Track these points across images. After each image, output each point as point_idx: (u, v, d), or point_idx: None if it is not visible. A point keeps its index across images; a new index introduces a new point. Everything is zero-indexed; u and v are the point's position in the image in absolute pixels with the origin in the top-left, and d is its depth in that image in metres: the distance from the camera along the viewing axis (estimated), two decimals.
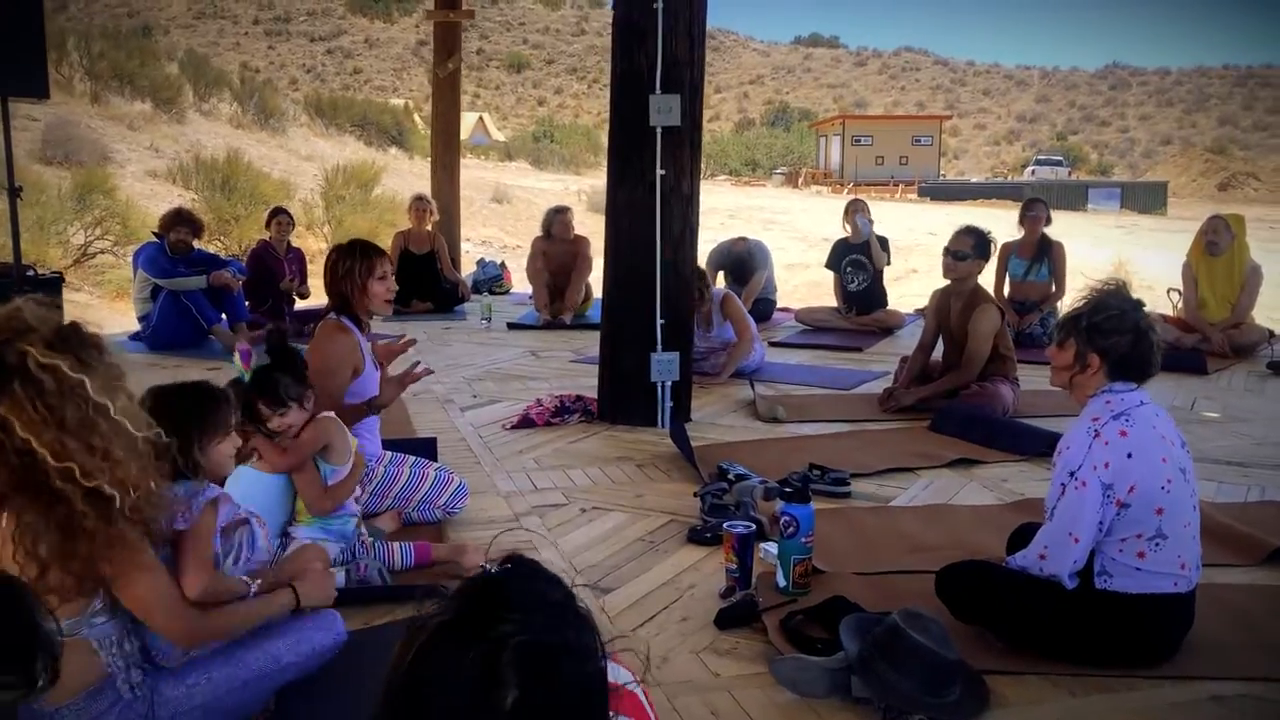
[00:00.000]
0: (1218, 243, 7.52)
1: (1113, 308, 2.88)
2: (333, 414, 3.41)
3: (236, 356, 3.30)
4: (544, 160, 43.32)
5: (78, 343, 2.10)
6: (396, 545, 3.50)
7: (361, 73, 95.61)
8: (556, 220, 8.78)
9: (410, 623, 1.15)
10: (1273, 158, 64.36)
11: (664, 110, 5.16)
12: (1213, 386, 6.55)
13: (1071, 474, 2.77)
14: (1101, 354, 2.86)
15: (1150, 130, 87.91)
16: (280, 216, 8.45)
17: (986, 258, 5.67)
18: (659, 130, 5.18)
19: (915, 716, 2.52)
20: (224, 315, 7.61)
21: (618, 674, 1.62)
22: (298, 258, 8.58)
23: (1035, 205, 8.16)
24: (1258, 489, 4.48)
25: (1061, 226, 9.06)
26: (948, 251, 5.65)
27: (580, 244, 8.75)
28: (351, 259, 3.88)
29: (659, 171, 5.21)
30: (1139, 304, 2.94)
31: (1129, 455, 2.73)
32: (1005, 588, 2.89)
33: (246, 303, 7.88)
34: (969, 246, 5.60)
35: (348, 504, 3.39)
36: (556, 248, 8.73)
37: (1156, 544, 2.76)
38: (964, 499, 4.37)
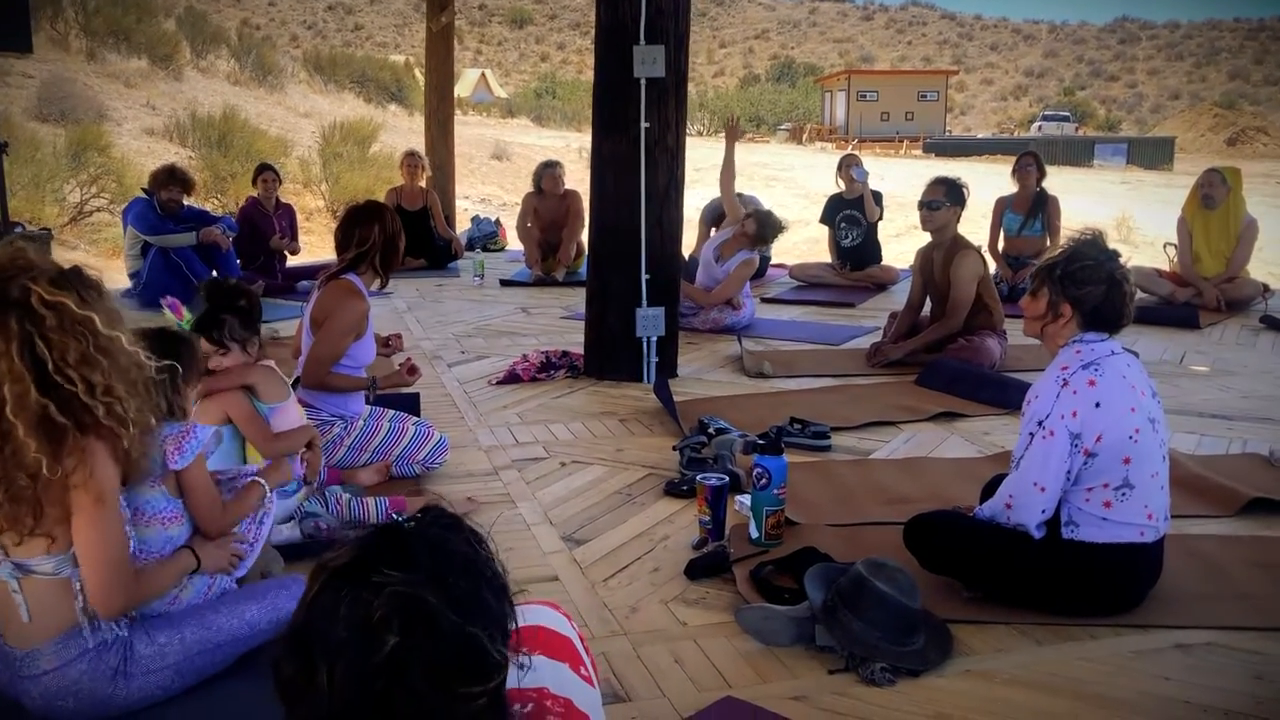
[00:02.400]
0: (1213, 196, 7.46)
1: (1087, 257, 2.86)
2: (270, 363, 3.42)
3: (166, 310, 3.30)
4: (546, 117, 42.95)
5: (80, 282, 2.14)
6: (371, 500, 3.52)
7: (363, 29, 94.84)
8: (546, 175, 8.71)
9: (316, 564, 1.15)
10: None
11: (648, 61, 5.11)
12: (1205, 341, 6.52)
13: (1039, 423, 2.77)
14: (1074, 303, 2.84)
15: (1159, 85, 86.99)
16: (266, 173, 8.41)
17: (961, 204, 5.63)
18: (643, 82, 5.13)
19: (877, 664, 2.53)
20: (215, 272, 7.59)
21: (552, 618, 1.63)
22: (287, 214, 8.55)
23: (1025, 158, 8.07)
24: (1240, 442, 4.47)
25: (1066, 182, 9.05)
26: (922, 204, 5.63)
27: (572, 199, 8.68)
28: (393, 218, 3.94)
29: (643, 124, 5.17)
30: (1114, 254, 2.91)
31: (1097, 404, 2.72)
32: (971, 537, 2.89)
33: (238, 260, 7.86)
34: (941, 195, 5.58)
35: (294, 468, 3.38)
36: (547, 203, 8.67)
37: (1123, 494, 2.75)
38: (944, 452, 4.37)
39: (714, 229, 8.59)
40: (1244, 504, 3.65)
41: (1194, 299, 7.31)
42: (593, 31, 5.54)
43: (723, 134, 7.83)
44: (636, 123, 5.17)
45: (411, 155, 9.43)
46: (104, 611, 2.22)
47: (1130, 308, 2.86)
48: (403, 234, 3.99)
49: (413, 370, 4.10)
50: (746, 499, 3.47)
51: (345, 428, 3.85)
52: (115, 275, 10.23)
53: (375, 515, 3.46)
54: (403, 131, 22.44)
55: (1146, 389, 2.84)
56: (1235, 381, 5.49)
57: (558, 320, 7.10)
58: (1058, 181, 8.26)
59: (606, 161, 5.35)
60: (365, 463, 3.88)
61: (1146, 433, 2.76)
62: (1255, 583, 3.09)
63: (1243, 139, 52.80)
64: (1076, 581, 2.80)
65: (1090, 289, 2.80)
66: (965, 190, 5.64)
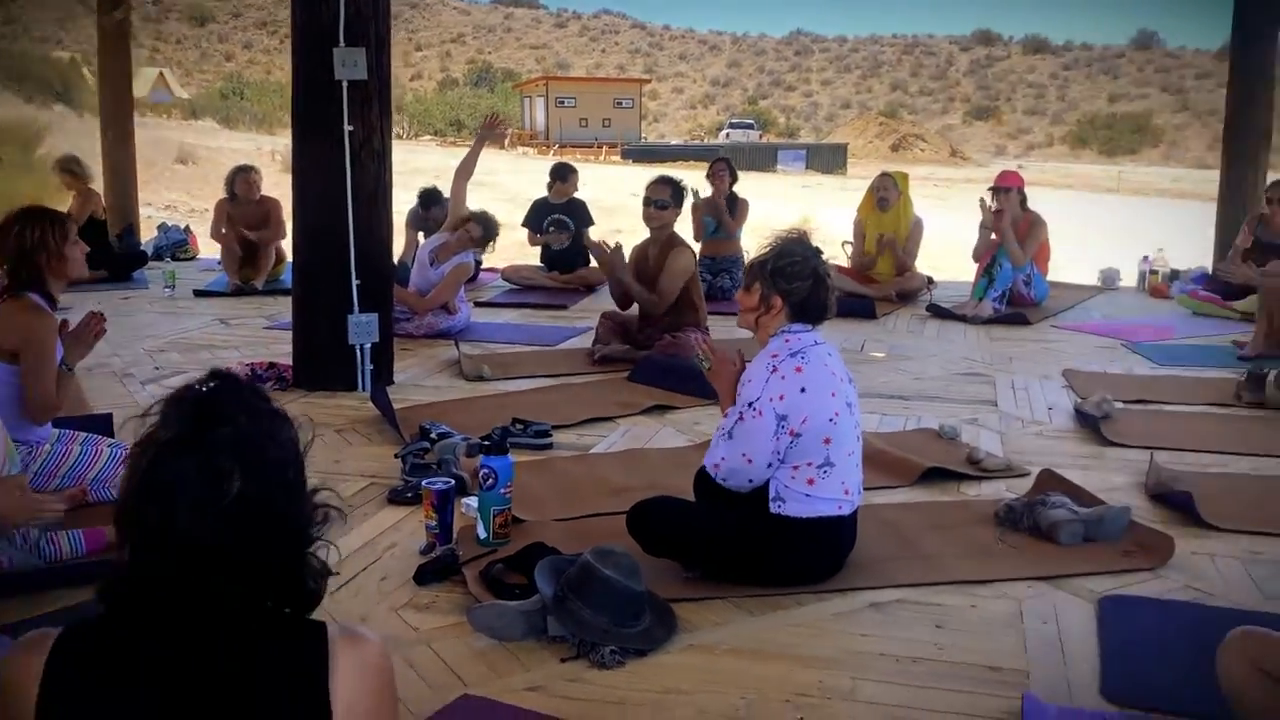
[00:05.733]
0: (887, 199, 8.19)
1: (795, 254, 3.10)
2: None
3: None
4: (234, 119, 40.86)
5: None
6: (64, 534, 3.23)
7: (16, 21, 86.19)
8: (240, 179, 8.34)
9: (137, 443, 1.34)
10: (936, 121, 70.65)
11: (349, 64, 5.01)
12: (881, 329, 7.15)
13: (750, 404, 2.98)
14: (784, 296, 3.07)
15: (832, 95, 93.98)
16: None
17: (681, 204, 6.05)
18: (345, 84, 5.03)
19: (607, 647, 2.63)
20: None
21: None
22: None
23: (718, 164, 8.61)
24: (915, 419, 4.96)
25: (753, 187, 9.59)
26: (649, 201, 5.90)
27: (269, 205, 8.36)
28: (42, 227, 3.52)
29: (347, 127, 5.06)
30: (818, 252, 3.18)
31: (802, 390, 2.96)
32: (688, 521, 3.07)
33: None
34: (668, 195, 5.92)
35: None
36: (243, 210, 8.30)
37: (825, 471, 3.01)
38: (659, 443, 4.57)
39: (420, 233, 8.53)
40: (920, 474, 4.06)
41: (869, 290, 7.97)
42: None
43: (425, 137, 7.76)
44: (340, 125, 5.06)
45: (61, 161, 8.79)
46: None
47: (832, 301, 3.14)
48: (67, 238, 3.58)
49: (82, 332, 3.72)
50: (473, 501, 3.50)
51: (30, 453, 3.54)
52: None
53: (70, 549, 3.18)
54: (72, 133, 20.63)
55: (844, 376, 3.12)
56: (908, 365, 6.07)
57: (260, 331, 6.82)
58: (745, 186, 8.81)
59: (309, 166, 5.20)
60: (56, 489, 3.56)
61: (844, 416, 3.03)
62: (933, 544, 3.45)
63: (904, 145, 58.11)
64: (783, 554, 3.03)
65: (799, 284, 3.05)
66: (686, 192, 6.00)
